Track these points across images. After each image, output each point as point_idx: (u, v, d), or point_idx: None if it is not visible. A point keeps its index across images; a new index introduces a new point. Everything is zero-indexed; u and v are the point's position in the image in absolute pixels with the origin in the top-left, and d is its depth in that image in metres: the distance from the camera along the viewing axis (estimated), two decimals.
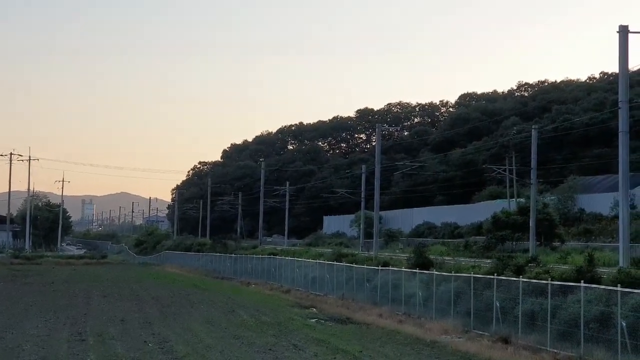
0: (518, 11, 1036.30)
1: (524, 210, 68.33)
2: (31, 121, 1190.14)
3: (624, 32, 37.22)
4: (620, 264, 35.13)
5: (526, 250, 56.68)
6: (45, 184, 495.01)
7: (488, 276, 33.06)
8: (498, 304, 31.00)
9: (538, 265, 36.12)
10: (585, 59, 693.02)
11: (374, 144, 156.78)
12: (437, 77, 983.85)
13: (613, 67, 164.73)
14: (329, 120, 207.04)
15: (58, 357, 24.55)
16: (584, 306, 25.83)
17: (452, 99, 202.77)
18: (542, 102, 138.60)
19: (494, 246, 64.85)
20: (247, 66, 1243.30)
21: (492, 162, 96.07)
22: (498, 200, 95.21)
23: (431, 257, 46.06)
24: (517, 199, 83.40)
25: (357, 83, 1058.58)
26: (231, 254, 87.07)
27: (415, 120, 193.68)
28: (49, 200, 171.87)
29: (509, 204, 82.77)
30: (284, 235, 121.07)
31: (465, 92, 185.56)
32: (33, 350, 25.55)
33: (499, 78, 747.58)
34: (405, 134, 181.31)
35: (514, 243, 66.54)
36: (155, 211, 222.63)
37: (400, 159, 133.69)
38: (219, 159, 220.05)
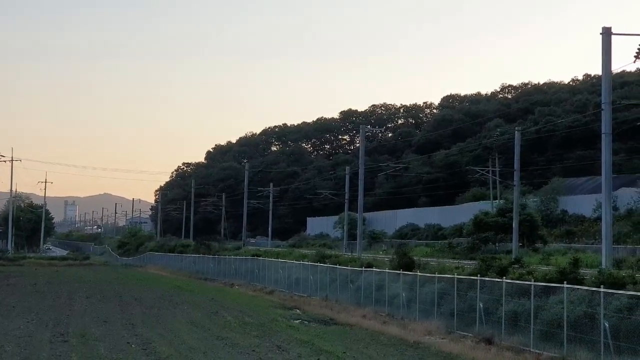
0: (501, 14, 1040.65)
1: (502, 212, 68.66)
2: (14, 122, 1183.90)
3: (607, 34, 37.33)
4: (603, 265, 35.23)
5: (509, 252, 56.78)
6: (28, 185, 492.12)
7: (472, 277, 33.10)
8: (481, 305, 31.05)
9: (522, 267, 36.18)
10: (568, 61, 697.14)
11: (358, 145, 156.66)
12: (421, 78, 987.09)
13: (596, 69, 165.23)
14: (312, 121, 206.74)
15: (40, 358, 24.41)
16: (567, 307, 25.90)
17: (436, 100, 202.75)
18: (525, 104, 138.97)
19: (478, 247, 65.04)
20: (231, 68, 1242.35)
21: (475, 163, 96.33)
22: (481, 202, 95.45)
23: (414, 258, 46.02)
24: (498, 200, 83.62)
25: (341, 84, 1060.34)
26: (215, 255, 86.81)
27: (399, 121, 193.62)
28: (31, 202, 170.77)
29: (492, 206, 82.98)
30: (267, 236, 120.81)
31: (449, 94, 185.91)
32: (15, 351, 25.39)
33: (482, 80, 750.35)
34: (389, 135, 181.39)
35: (497, 244, 66.76)
36: (139, 212, 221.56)
37: (384, 160, 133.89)
38: (203, 160, 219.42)
